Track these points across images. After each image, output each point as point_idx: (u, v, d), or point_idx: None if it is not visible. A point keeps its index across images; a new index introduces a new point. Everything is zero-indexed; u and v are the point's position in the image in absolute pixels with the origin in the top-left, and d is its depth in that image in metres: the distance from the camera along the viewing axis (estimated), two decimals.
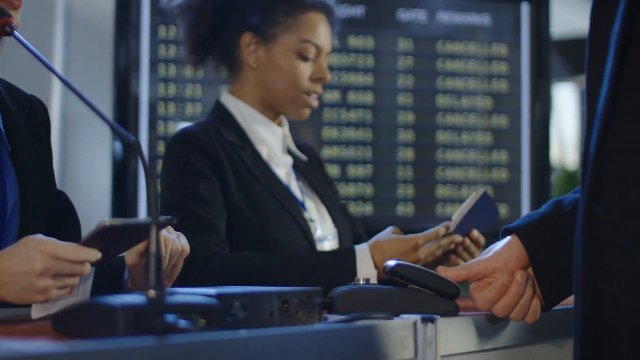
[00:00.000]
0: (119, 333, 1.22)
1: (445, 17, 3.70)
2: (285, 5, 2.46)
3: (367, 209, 3.56)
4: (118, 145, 3.31)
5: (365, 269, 2.21)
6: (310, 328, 1.44)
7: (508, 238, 1.67)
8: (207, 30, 2.50)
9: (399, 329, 1.48)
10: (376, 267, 2.21)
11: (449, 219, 3.64)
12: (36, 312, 1.65)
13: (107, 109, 3.38)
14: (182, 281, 2.17)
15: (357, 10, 3.60)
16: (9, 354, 1.02)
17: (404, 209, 3.61)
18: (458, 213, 2.24)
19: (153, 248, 1.30)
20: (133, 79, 3.33)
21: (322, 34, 2.48)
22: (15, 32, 1.70)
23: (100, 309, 1.26)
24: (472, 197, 2.24)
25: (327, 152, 3.55)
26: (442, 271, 1.68)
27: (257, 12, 2.47)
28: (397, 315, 1.55)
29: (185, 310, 1.27)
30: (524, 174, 3.72)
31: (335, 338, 1.37)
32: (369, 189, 3.59)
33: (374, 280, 2.19)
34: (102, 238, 1.56)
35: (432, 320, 1.53)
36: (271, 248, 2.33)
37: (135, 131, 3.31)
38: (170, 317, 1.22)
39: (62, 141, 3.53)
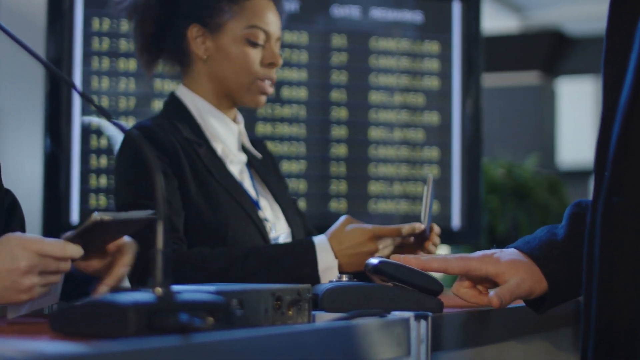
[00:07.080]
0: (130, 333, 1.18)
1: (378, 13, 3.70)
2: None
3: (301, 205, 3.54)
4: (49, 141, 3.23)
5: (326, 260, 2.19)
6: (315, 326, 1.42)
7: (525, 260, 1.68)
8: (155, 27, 2.45)
9: (394, 326, 1.47)
10: (336, 256, 2.20)
11: (382, 215, 3.65)
12: (12, 312, 1.59)
13: (39, 102, 3.29)
14: (142, 280, 2.13)
15: (291, 6, 3.57)
16: (32, 355, 0.98)
17: (337, 205, 3.60)
18: (423, 214, 2.23)
19: (160, 244, 1.26)
20: (65, 72, 3.24)
21: (270, 19, 2.45)
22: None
23: (108, 308, 1.22)
24: (425, 190, 2.22)
25: None
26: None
27: (201, 3, 2.44)
28: (388, 312, 1.54)
29: (194, 308, 1.24)
30: (455, 170, 3.73)
31: (337, 335, 1.36)
32: (302, 185, 3.57)
33: (335, 270, 2.18)
34: (90, 233, 1.51)
35: (425, 317, 1.52)
36: (228, 246, 2.29)
37: (68, 125, 3.23)
38: (183, 316, 1.19)
39: None
